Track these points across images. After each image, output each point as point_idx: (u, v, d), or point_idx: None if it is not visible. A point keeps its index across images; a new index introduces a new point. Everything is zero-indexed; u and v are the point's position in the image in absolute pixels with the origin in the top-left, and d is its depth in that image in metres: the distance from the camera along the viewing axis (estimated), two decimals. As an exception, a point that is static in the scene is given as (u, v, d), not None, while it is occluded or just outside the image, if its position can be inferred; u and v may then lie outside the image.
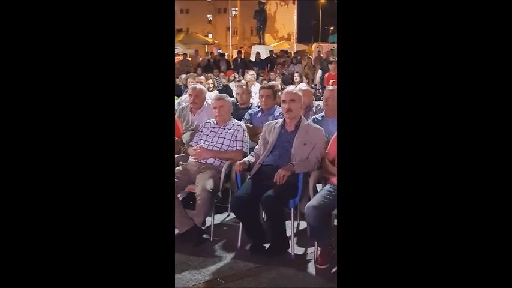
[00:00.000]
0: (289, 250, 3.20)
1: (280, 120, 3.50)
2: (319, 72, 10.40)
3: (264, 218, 3.48)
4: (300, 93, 3.52)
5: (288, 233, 3.27)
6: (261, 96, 4.51)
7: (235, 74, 11.38)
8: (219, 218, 3.90)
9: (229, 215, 3.97)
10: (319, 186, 3.37)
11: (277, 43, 28.34)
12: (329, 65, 9.35)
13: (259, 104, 4.73)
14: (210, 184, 3.33)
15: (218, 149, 3.67)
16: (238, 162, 3.34)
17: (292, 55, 16.23)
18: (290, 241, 3.22)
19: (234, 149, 3.68)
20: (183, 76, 8.39)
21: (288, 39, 36.20)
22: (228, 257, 3.17)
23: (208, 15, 43.48)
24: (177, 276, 2.78)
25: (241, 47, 27.97)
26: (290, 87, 6.04)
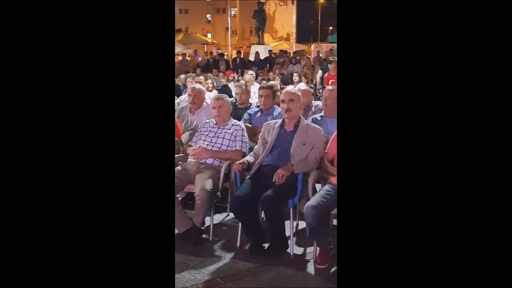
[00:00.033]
0: (289, 250, 3.20)
1: (279, 120, 3.50)
2: (320, 73, 10.40)
3: (263, 218, 3.48)
4: (299, 93, 3.52)
5: (287, 232, 3.27)
6: (260, 96, 4.51)
7: (235, 74, 11.38)
8: (218, 218, 3.90)
9: (228, 215, 3.97)
10: (318, 186, 3.36)
11: (276, 43, 28.36)
12: (329, 65, 9.36)
13: (258, 104, 4.74)
14: (209, 184, 3.33)
15: (217, 149, 3.67)
16: (237, 162, 3.34)
17: (291, 55, 16.22)
18: (289, 241, 3.22)
19: (233, 149, 3.68)
20: (182, 76, 8.38)
21: (287, 39, 36.22)
22: (227, 257, 3.17)
23: (208, 15, 43.47)
24: (176, 276, 2.78)
25: (240, 47, 27.96)
26: (289, 87, 6.04)
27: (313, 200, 2.96)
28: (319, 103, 4.62)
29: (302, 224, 3.57)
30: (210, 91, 6.77)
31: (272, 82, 6.40)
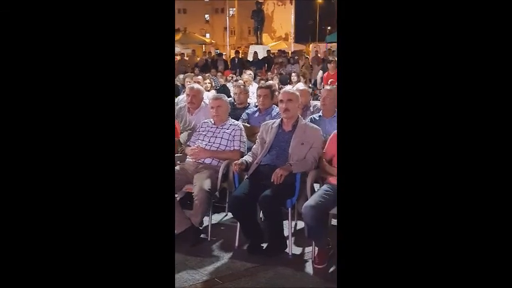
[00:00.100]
0: (287, 250, 3.20)
1: (278, 120, 3.50)
2: (320, 73, 10.40)
3: (261, 218, 3.48)
4: (297, 93, 3.52)
5: (286, 232, 3.27)
6: (258, 96, 4.52)
7: (233, 74, 11.37)
8: (216, 217, 3.90)
9: (226, 214, 3.96)
10: (316, 186, 3.37)
11: (275, 43, 28.36)
12: (328, 65, 9.37)
13: (256, 104, 4.74)
14: (207, 184, 3.33)
15: (216, 148, 3.67)
16: (235, 162, 3.34)
17: (290, 55, 16.22)
18: (288, 241, 3.22)
19: (232, 148, 3.68)
20: (181, 76, 8.38)
21: (286, 39, 36.23)
22: (225, 257, 3.17)
23: (206, 15, 43.46)
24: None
25: (238, 47, 27.98)
26: (287, 87, 6.04)
27: (311, 200, 2.96)
28: (318, 103, 4.62)
29: (300, 224, 3.57)
30: (209, 91, 6.77)
31: (270, 82, 6.40)
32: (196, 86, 4.65)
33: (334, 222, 3.41)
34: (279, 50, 17.07)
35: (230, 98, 5.12)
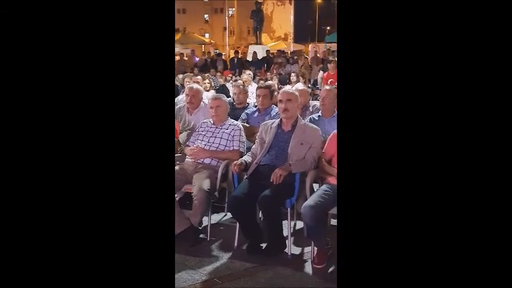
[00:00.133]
0: (286, 250, 3.20)
1: (277, 120, 3.50)
2: (321, 73, 10.41)
3: (260, 218, 3.48)
4: (297, 93, 3.52)
5: (285, 232, 3.27)
6: (257, 96, 4.51)
7: (232, 74, 11.37)
8: (215, 217, 3.90)
9: (226, 214, 3.96)
10: (316, 186, 3.37)
11: (274, 43, 28.37)
12: (328, 65, 9.37)
13: (256, 104, 4.74)
14: (206, 184, 3.33)
15: (215, 148, 3.67)
16: (235, 163, 3.34)
17: (289, 55, 16.22)
18: (287, 241, 3.22)
19: (231, 148, 3.68)
20: (180, 76, 8.38)
21: (285, 39, 36.27)
22: (224, 257, 3.17)
23: (205, 15, 43.48)
24: (173, 276, 2.78)
25: (238, 47, 27.99)
26: (287, 87, 6.04)
27: (310, 200, 2.96)
28: (317, 103, 4.62)
29: (300, 224, 3.57)
30: (208, 91, 6.77)
31: (270, 82, 6.40)
32: (195, 86, 4.65)
33: (333, 222, 3.41)
34: (278, 50, 17.08)
35: (229, 98, 5.12)
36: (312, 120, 3.95)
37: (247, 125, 4.29)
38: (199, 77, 7.50)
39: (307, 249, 3.25)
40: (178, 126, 4.27)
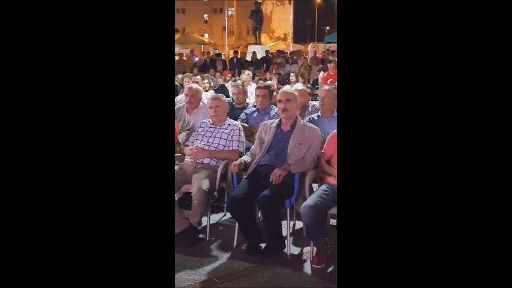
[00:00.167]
0: (285, 250, 3.20)
1: (276, 120, 3.50)
2: (321, 74, 10.41)
3: (260, 218, 3.48)
4: (296, 93, 3.52)
5: (284, 232, 3.26)
6: (257, 96, 4.51)
7: (232, 74, 11.37)
8: (215, 217, 3.89)
9: (225, 214, 3.96)
10: (315, 186, 3.37)
11: (274, 43, 28.40)
12: (328, 65, 9.38)
13: (255, 104, 4.73)
14: (206, 184, 3.33)
15: (214, 148, 3.67)
16: (234, 163, 3.34)
17: (288, 55, 16.23)
18: (286, 241, 3.22)
19: (230, 148, 3.68)
20: (179, 76, 8.38)
21: (284, 39, 36.29)
22: (224, 257, 3.17)
23: (205, 15, 43.49)
24: (173, 276, 2.78)
25: (237, 47, 27.99)
26: (286, 87, 6.04)
27: (310, 200, 2.97)
28: (316, 103, 4.62)
29: (299, 224, 3.57)
30: (207, 91, 6.77)
31: (269, 82, 6.40)
32: (194, 85, 4.65)
33: (332, 222, 3.41)
34: (277, 50, 17.10)
35: (229, 98, 5.12)
36: (311, 120, 3.96)
37: (247, 125, 4.29)
38: (198, 77, 7.50)
39: (307, 249, 3.25)
40: (177, 126, 4.27)
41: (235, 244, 3.31)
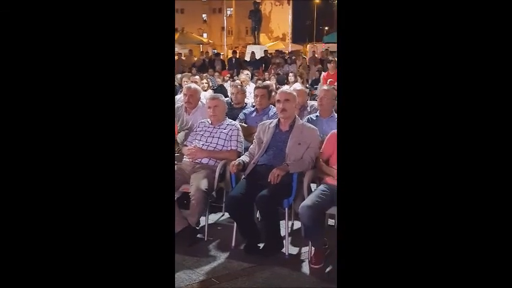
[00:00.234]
0: (284, 250, 3.20)
1: (275, 120, 3.50)
2: (323, 74, 10.41)
3: (258, 218, 3.48)
4: (295, 93, 3.52)
5: (282, 232, 3.27)
6: (255, 96, 4.51)
7: (230, 73, 11.37)
8: (213, 217, 3.89)
9: (223, 214, 3.96)
10: (313, 186, 3.37)
11: (272, 43, 28.40)
12: (328, 65, 9.38)
13: (253, 104, 4.73)
14: (204, 184, 3.33)
15: (213, 148, 3.67)
16: (232, 163, 3.34)
17: (287, 55, 16.23)
18: (284, 241, 3.22)
19: (229, 148, 3.68)
20: (178, 76, 8.37)
21: (283, 39, 36.31)
22: (222, 257, 3.17)
23: (203, 15, 43.47)
24: (171, 275, 2.78)
25: (236, 47, 27.96)
26: (284, 87, 6.05)
27: (308, 200, 2.97)
28: (315, 103, 4.62)
29: (297, 224, 3.57)
30: (206, 91, 6.76)
31: (267, 82, 6.40)
32: (193, 85, 4.64)
33: (330, 222, 3.42)
34: (276, 50, 17.11)
35: (227, 98, 5.11)
36: (309, 120, 3.96)
37: (245, 125, 4.29)
38: (197, 76, 7.49)
39: (305, 249, 3.25)
40: (176, 126, 4.27)
41: (233, 244, 3.31)
